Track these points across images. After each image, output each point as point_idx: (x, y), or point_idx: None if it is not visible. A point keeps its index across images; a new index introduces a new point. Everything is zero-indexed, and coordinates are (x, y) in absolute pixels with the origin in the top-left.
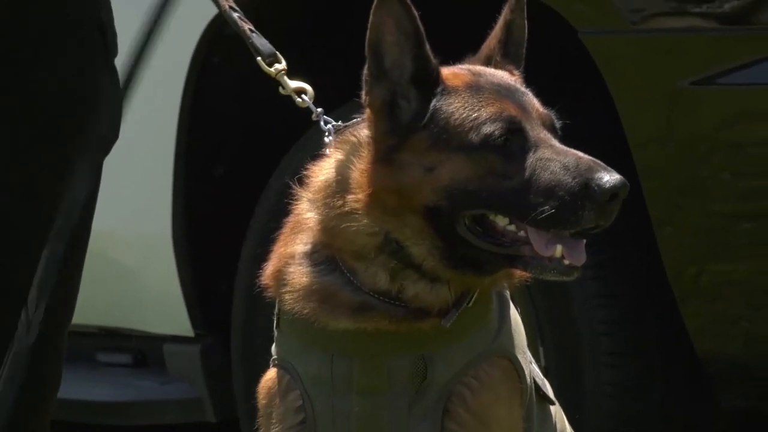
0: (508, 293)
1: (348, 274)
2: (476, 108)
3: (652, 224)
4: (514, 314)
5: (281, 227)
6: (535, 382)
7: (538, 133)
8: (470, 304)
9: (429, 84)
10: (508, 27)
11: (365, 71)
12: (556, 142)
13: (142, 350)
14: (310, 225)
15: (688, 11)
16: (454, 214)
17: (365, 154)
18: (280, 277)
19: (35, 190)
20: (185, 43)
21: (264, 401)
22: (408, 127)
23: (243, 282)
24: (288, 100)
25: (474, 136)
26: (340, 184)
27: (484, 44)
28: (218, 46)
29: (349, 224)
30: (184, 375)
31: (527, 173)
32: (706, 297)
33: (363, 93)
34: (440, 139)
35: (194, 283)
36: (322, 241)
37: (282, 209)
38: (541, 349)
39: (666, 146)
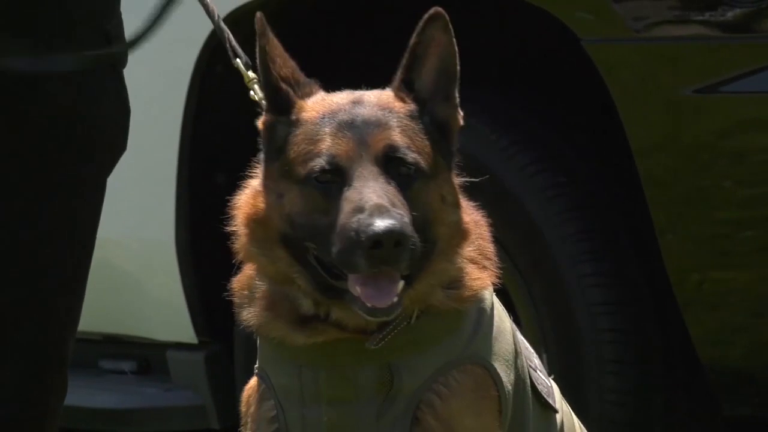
0: (491, 299)
1: (291, 299)
2: (312, 142)
3: (655, 232)
4: (500, 321)
5: None
6: (535, 389)
7: (362, 171)
8: (411, 322)
9: (287, 113)
10: (413, 51)
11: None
12: (372, 181)
13: (146, 357)
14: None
15: (691, 19)
16: (300, 244)
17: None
18: (237, 285)
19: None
20: (188, 51)
21: (244, 409)
22: (276, 155)
23: None
24: None
25: (301, 171)
26: (245, 211)
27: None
28: (221, 54)
29: (257, 254)
30: (187, 382)
31: (336, 212)
32: (709, 304)
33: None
34: (285, 169)
35: (198, 290)
36: (256, 273)
37: None
38: (544, 357)
39: (669, 154)
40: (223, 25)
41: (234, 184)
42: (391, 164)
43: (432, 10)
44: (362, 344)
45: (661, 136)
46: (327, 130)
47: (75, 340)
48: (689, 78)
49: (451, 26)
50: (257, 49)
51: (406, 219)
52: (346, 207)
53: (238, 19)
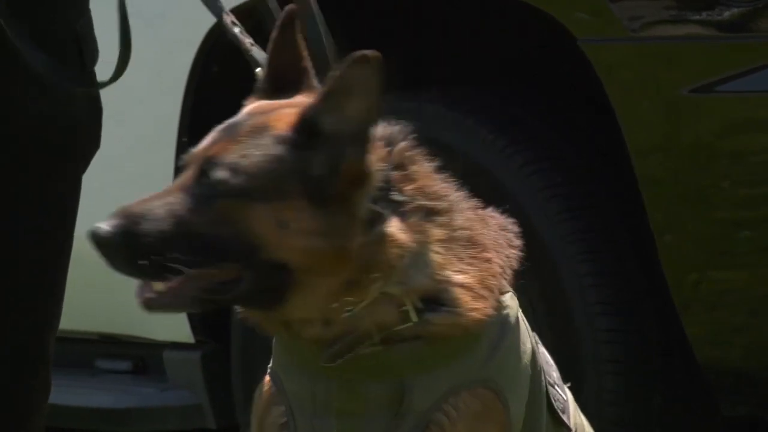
0: (515, 318)
1: None
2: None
3: (652, 232)
4: (521, 343)
5: None
6: (550, 405)
7: (182, 175)
8: (368, 344)
9: None
10: (331, 86)
11: None
12: (175, 187)
13: (142, 357)
14: None
15: (688, 19)
16: None
17: None
18: None
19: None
20: (184, 52)
21: (255, 412)
22: None
23: None
24: None
25: None
26: None
27: None
28: (217, 54)
29: None
30: (184, 382)
31: None
32: (707, 305)
33: None
34: None
35: None
36: None
37: None
38: None
39: (666, 154)
40: (241, 37)
41: None
42: (203, 176)
43: (365, 52)
44: (375, 358)
45: (658, 135)
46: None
47: (55, 340)
48: (686, 78)
49: (381, 72)
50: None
51: (143, 227)
52: None
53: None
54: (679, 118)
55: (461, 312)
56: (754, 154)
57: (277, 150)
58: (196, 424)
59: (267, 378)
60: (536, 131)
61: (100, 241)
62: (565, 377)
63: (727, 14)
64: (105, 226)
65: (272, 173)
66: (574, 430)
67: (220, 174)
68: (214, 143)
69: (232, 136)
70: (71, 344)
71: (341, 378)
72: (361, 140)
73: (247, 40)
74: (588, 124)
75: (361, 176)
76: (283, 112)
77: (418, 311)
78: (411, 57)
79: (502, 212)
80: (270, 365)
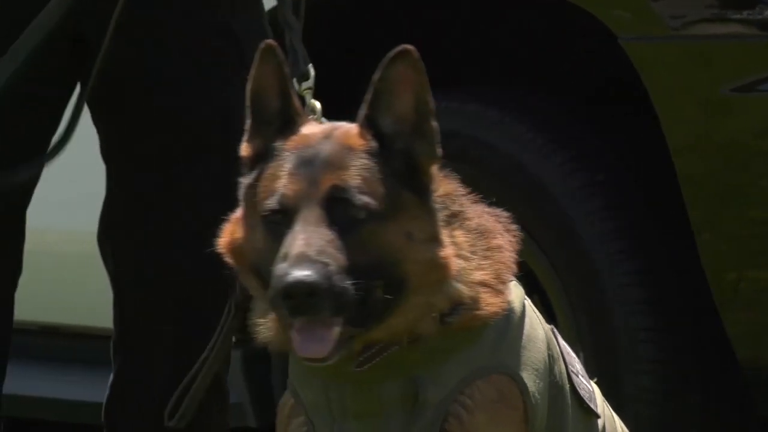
0: (520, 307)
1: None
2: (273, 179)
3: (691, 230)
4: (531, 329)
5: None
6: (576, 394)
7: (307, 214)
8: (379, 354)
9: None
10: (373, 86)
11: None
12: (312, 225)
13: None
14: None
15: (729, 18)
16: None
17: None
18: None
19: None
20: None
21: (279, 423)
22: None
23: None
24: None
25: (260, 208)
26: None
27: None
28: None
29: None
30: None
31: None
32: (746, 303)
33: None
34: (255, 202)
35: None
36: None
37: None
38: (581, 356)
39: (706, 152)
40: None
41: None
42: (337, 206)
43: (400, 48)
44: (383, 360)
45: (698, 134)
46: (287, 167)
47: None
48: (727, 76)
49: (421, 63)
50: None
51: (332, 268)
52: (281, 252)
53: None
54: (719, 117)
55: (480, 308)
56: None
57: (375, 165)
58: (237, 422)
59: (286, 393)
60: (575, 129)
61: (307, 289)
62: (603, 376)
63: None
64: (306, 273)
65: (388, 188)
66: (602, 419)
67: (359, 199)
68: (319, 177)
69: (329, 166)
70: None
71: (354, 381)
72: (424, 133)
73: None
74: (627, 122)
75: (433, 172)
76: (342, 131)
77: (442, 315)
78: (451, 55)
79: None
80: (288, 379)
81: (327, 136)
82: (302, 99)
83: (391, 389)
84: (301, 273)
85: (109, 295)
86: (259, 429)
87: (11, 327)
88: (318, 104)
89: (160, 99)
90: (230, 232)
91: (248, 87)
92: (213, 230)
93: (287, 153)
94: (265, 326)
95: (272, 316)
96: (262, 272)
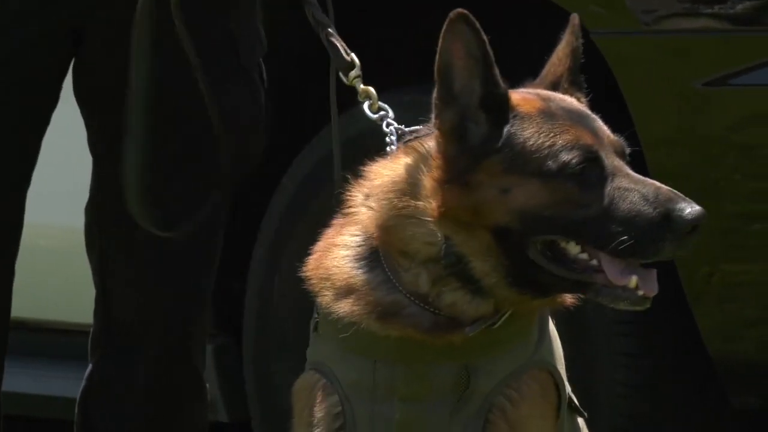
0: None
1: (388, 272)
2: (552, 135)
3: None
4: (552, 326)
5: (294, 229)
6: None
7: (613, 160)
8: (497, 323)
9: (498, 108)
10: (575, 53)
11: (434, 95)
12: (630, 171)
13: None
14: (363, 219)
15: (701, 12)
16: (526, 237)
17: (435, 168)
18: (322, 269)
19: None
20: None
21: (300, 404)
22: (480, 150)
23: (255, 282)
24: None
25: (551, 164)
26: (409, 187)
27: (546, 70)
28: None
29: (409, 228)
30: None
31: (605, 202)
32: (719, 297)
33: (433, 116)
34: (515, 163)
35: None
36: (373, 235)
37: (294, 209)
38: None
39: (678, 147)
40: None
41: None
42: (623, 158)
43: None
44: (438, 344)
45: (671, 128)
46: (563, 122)
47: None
48: (699, 70)
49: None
50: (477, 46)
51: None
52: (629, 196)
53: None
54: (691, 111)
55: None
56: (766, 147)
57: None
58: (209, 416)
59: (309, 373)
60: None
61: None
62: (578, 370)
63: (740, 7)
64: (698, 207)
65: None
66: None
67: (627, 150)
68: (599, 130)
69: (596, 120)
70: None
71: (407, 362)
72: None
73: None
74: (600, 116)
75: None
76: (560, 94)
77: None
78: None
79: None
80: (311, 360)
81: (562, 97)
82: (353, 88)
83: (444, 374)
84: (698, 207)
85: (80, 290)
86: (230, 424)
87: (8, 321)
88: (372, 90)
89: (152, 98)
90: (454, 197)
91: (437, 62)
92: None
93: (540, 111)
94: (332, 291)
95: (345, 280)
96: (525, 230)
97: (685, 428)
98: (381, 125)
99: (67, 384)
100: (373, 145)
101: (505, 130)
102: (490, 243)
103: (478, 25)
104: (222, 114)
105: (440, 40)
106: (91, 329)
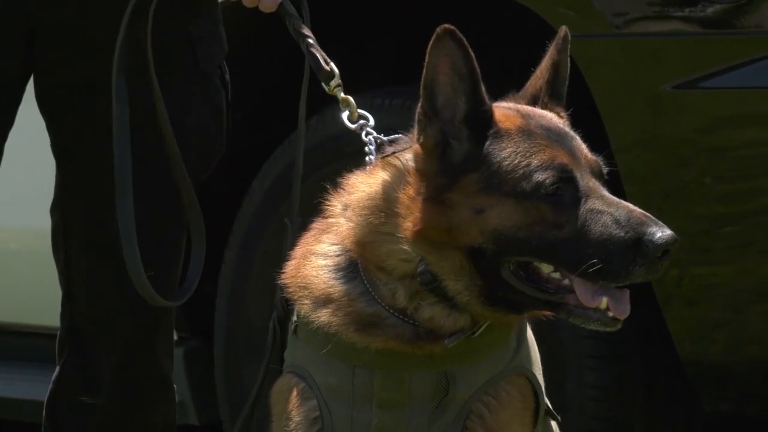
0: None
1: (367, 284)
2: (528, 154)
3: None
4: (529, 332)
5: (265, 232)
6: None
7: (588, 181)
8: (476, 334)
9: (482, 125)
10: (556, 67)
11: (419, 110)
12: (605, 192)
13: None
14: (342, 231)
15: (671, 15)
16: (500, 258)
17: (412, 185)
18: (300, 278)
19: None
20: None
21: (278, 408)
22: (459, 168)
23: (225, 286)
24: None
25: (525, 184)
26: (384, 204)
27: (529, 83)
28: None
29: (384, 245)
30: None
31: (578, 224)
32: (688, 300)
33: (415, 131)
34: (491, 183)
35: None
36: (351, 249)
37: (264, 213)
38: None
39: (648, 150)
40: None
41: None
42: (599, 178)
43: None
44: (425, 351)
45: (640, 131)
46: (541, 141)
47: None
48: (669, 74)
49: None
50: (463, 62)
51: None
52: (602, 219)
53: None
54: (661, 114)
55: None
56: (736, 150)
57: None
58: (179, 420)
59: (287, 376)
60: None
61: (676, 246)
62: (548, 373)
63: (709, 11)
64: (671, 231)
65: None
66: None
67: (604, 169)
68: (577, 150)
69: (575, 138)
70: (45, 339)
71: (386, 369)
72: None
73: (307, 40)
74: (572, 119)
75: None
76: (541, 110)
77: None
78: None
79: None
80: (288, 364)
81: (540, 114)
82: (334, 97)
83: (423, 381)
84: (670, 231)
85: (47, 293)
86: (201, 427)
87: None
88: (351, 99)
89: (103, 95)
90: (430, 215)
91: (423, 77)
92: (164, 229)
93: (519, 129)
94: (311, 300)
95: (324, 289)
96: (499, 250)
97: (654, 431)
98: (360, 134)
99: (34, 387)
100: (347, 148)
101: (484, 148)
102: (463, 263)
103: (465, 41)
104: (180, 122)
105: (427, 56)
106: (58, 332)
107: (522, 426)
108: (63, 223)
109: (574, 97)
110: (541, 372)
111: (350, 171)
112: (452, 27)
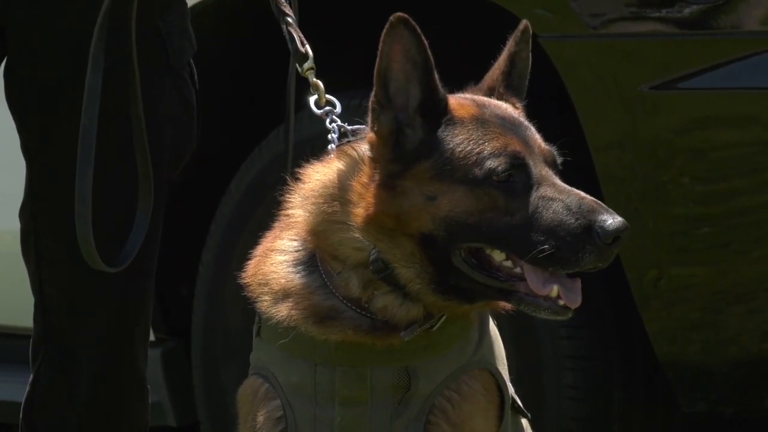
0: None
1: (324, 277)
2: (481, 141)
3: None
4: (493, 327)
5: (242, 233)
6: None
7: (540, 169)
8: (434, 328)
9: (435, 114)
10: (512, 59)
11: (372, 98)
12: (557, 180)
13: None
14: (298, 222)
15: (648, 16)
16: (451, 244)
17: (365, 172)
18: (260, 275)
19: None
20: None
21: (244, 409)
22: (412, 155)
23: (203, 287)
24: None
25: (477, 171)
26: (338, 192)
27: (487, 75)
28: None
29: (337, 233)
30: None
31: (529, 211)
32: (666, 301)
33: (369, 119)
34: (443, 170)
35: (155, 286)
36: (306, 239)
37: (241, 214)
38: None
39: (626, 150)
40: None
41: (191, 182)
42: (553, 167)
43: (522, 24)
44: (379, 346)
45: (618, 132)
46: (494, 129)
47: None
48: (646, 75)
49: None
50: (417, 50)
51: None
52: (553, 206)
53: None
54: (639, 115)
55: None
56: (713, 151)
57: None
58: (157, 421)
59: (251, 379)
60: None
61: (626, 234)
62: (526, 372)
63: (686, 12)
64: (621, 218)
65: None
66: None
67: (558, 159)
68: (530, 139)
69: (529, 127)
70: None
71: (346, 365)
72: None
73: (287, 20)
74: (549, 120)
75: None
76: (495, 101)
77: None
78: None
79: None
80: (254, 365)
81: (495, 104)
82: (305, 79)
83: (384, 376)
84: (621, 219)
85: (24, 293)
86: (179, 428)
87: None
88: (320, 83)
89: (74, 95)
90: (382, 202)
91: (376, 65)
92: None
93: (473, 117)
94: (270, 296)
95: (283, 284)
96: (450, 237)
97: (632, 431)
98: (325, 120)
99: (11, 388)
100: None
101: (437, 135)
102: (414, 250)
103: (418, 29)
104: (151, 114)
105: (380, 44)
106: (32, 335)
107: (485, 420)
108: (33, 225)
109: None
110: (506, 367)
111: (308, 161)
112: (405, 15)
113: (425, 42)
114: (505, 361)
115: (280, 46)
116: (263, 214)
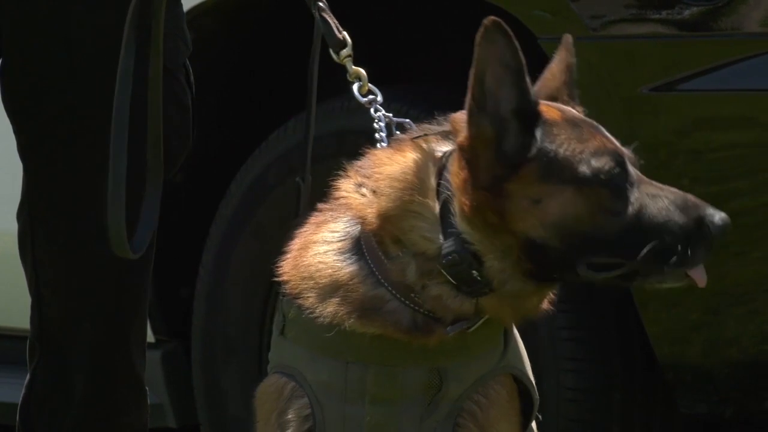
0: None
1: (372, 265)
2: (581, 141)
3: None
4: (515, 332)
5: (242, 234)
6: None
7: (638, 174)
8: (471, 330)
9: (530, 116)
10: (570, 69)
11: (469, 101)
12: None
13: None
14: (355, 204)
15: (648, 18)
16: (572, 258)
17: (460, 176)
18: (302, 268)
19: None
20: None
21: (266, 408)
22: (514, 159)
23: (203, 288)
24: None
25: (584, 169)
26: (419, 182)
27: (540, 84)
28: None
29: (409, 219)
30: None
31: (634, 209)
32: (666, 303)
33: (466, 123)
34: (550, 171)
35: (155, 288)
36: (365, 221)
37: (241, 215)
38: None
39: None
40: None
41: (191, 184)
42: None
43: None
44: (413, 345)
45: (618, 134)
46: (588, 130)
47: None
48: (646, 76)
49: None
50: (511, 55)
51: None
52: (659, 202)
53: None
54: (639, 117)
55: None
56: (713, 152)
57: None
58: (157, 422)
59: (273, 376)
60: None
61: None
62: None
63: (687, 13)
64: (724, 214)
65: None
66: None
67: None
68: (611, 143)
69: (603, 129)
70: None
71: (378, 364)
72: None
73: (320, 10)
74: None
75: None
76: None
77: None
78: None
79: None
80: (277, 363)
81: (569, 108)
82: (344, 67)
83: (416, 376)
84: (724, 213)
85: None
86: (179, 429)
87: None
88: (363, 71)
89: (70, 96)
90: (488, 203)
91: (473, 70)
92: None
93: (563, 118)
94: (317, 291)
95: (330, 275)
96: (563, 248)
97: None
98: (369, 110)
99: (8, 389)
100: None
101: (538, 138)
102: (513, 245)
103: (511, 33)
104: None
105: (476, 48)
106: (28, 336)
107: (510, 425)
108: (30, 226)
109: None
110: (530, 370)
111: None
112: (498, 20)
113: (518, 46)
114: (529, 365)
115: (281, 46)
116: (263, 214)
